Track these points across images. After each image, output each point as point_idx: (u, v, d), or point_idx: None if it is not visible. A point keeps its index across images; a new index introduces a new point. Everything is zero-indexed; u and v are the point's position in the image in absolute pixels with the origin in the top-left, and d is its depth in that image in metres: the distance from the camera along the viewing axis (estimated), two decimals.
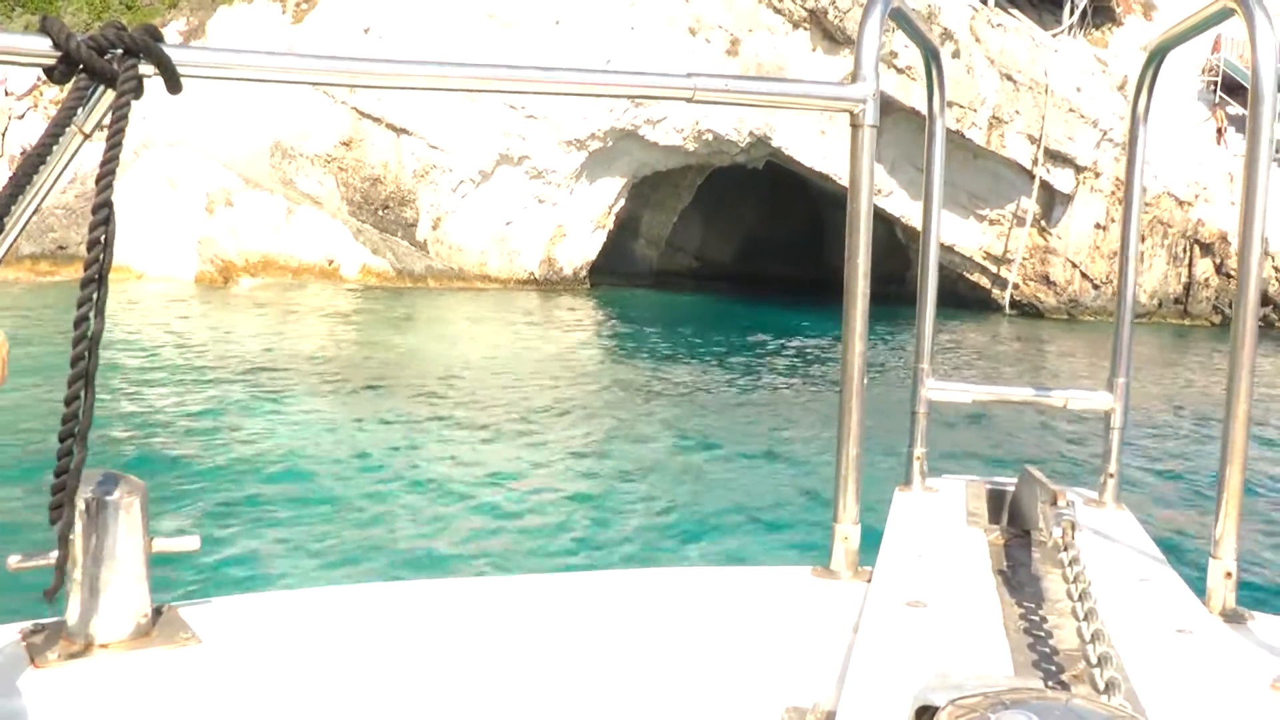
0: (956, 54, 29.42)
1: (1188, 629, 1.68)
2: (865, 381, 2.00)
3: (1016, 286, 32.30)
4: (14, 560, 1.54)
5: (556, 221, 31.05)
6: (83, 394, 1.46)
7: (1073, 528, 1.80)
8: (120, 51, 1.46)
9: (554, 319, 25.90)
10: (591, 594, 1.91)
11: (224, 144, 27.67)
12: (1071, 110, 30.61)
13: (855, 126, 1.90)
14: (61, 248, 26.51)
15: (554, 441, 11.86)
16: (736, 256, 43.28)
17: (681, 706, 1.52)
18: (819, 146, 30.43)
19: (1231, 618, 1.82)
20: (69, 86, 1.45)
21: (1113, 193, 31.67)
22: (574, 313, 27.35)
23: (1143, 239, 32.83)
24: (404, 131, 29.37)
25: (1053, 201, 31.51)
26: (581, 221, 31.32)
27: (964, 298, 32.95)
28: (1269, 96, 1.76)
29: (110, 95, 1.45)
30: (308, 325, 21.06)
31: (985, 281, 32.61)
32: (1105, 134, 31.12)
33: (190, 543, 1.67)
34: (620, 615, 1.82)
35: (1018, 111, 30.26)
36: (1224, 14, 1.90)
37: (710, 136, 30.65)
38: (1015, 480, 2.28)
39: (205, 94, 23.77)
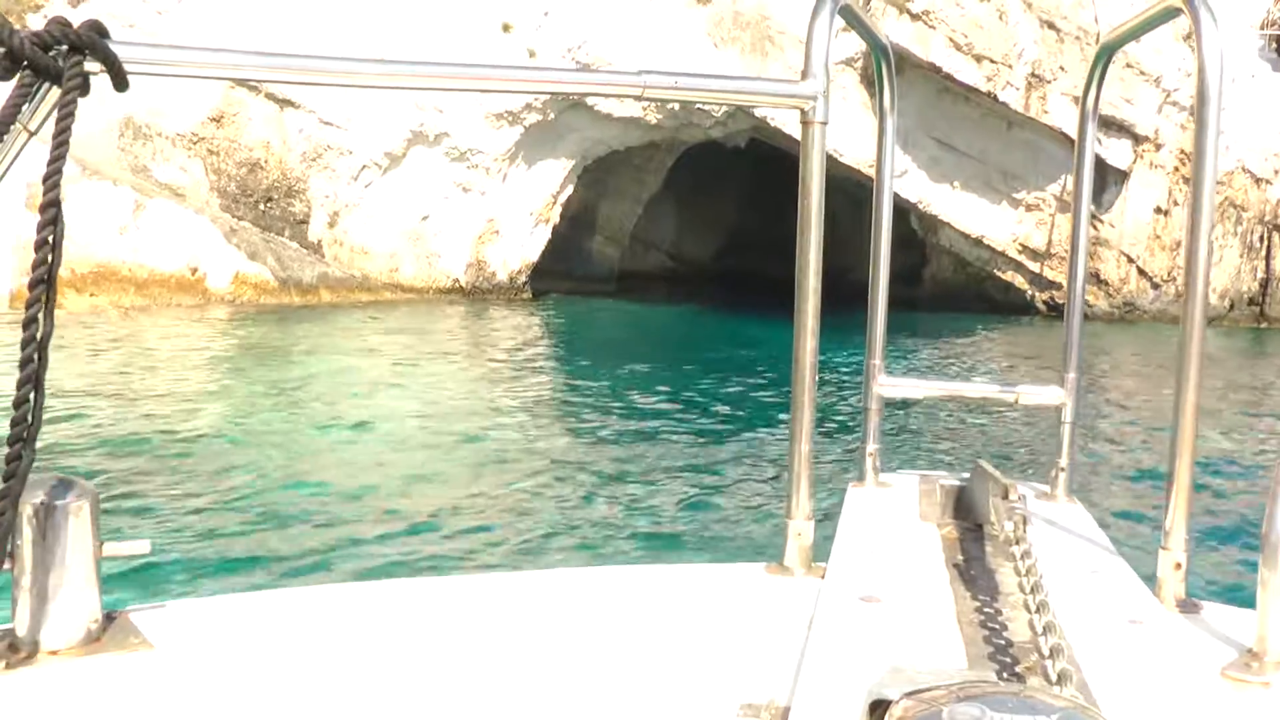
0: None
1: (1139, 619, 1.72)
2: (816, 378, 2.02)
3: (1060, 288, 26.08)
4: None
5: (486, 215, 24.81)
6: (31, 397, 1.46)
7: (1025, 521, 1.82)
8: (65, 48, 1.46)
9: (482, 340, 19.70)
10: (543, 592, 1.91)
11: None
12: (1129, 66, 24.40)
13: (805, 124, 1.91)
14: None
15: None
16: (718, 253, 37.11)
17: (635, 705, 1.50)
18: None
19: (1182, 608, 1.83)
20: (13, 84, 1.43)
21: (1176, 169, 25.50)
22: (505, 332, 21.16)
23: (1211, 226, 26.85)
24: (289, 104, 23.15)
25: (1104, 181, 25.26)
26: (518, 215, 25.08)
27: (994, 300, 26.78)
28: (1215, 96, 1.79)
29: (56, 93, 1.45)
30: (134, 377, 14.57)
31: (1021, 281, 26.40)
32: (1169, 95, 24.92)
33: (140, 547, 1.65)
34: (573, 614, 1.81)
35: (1062, 68, 24.05)
36: (1170, 13, 1.93)
37: (677, 106, 24.40)
38: (968, 475, 2.30)
39: None
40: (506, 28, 23.19)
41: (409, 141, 23.85)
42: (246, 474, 9.29)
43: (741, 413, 13.15)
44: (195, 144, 23.05)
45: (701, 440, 11.59)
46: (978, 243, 25.81)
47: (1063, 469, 2.43)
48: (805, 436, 2.01)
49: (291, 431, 11.19)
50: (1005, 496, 1.94)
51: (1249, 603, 1.64)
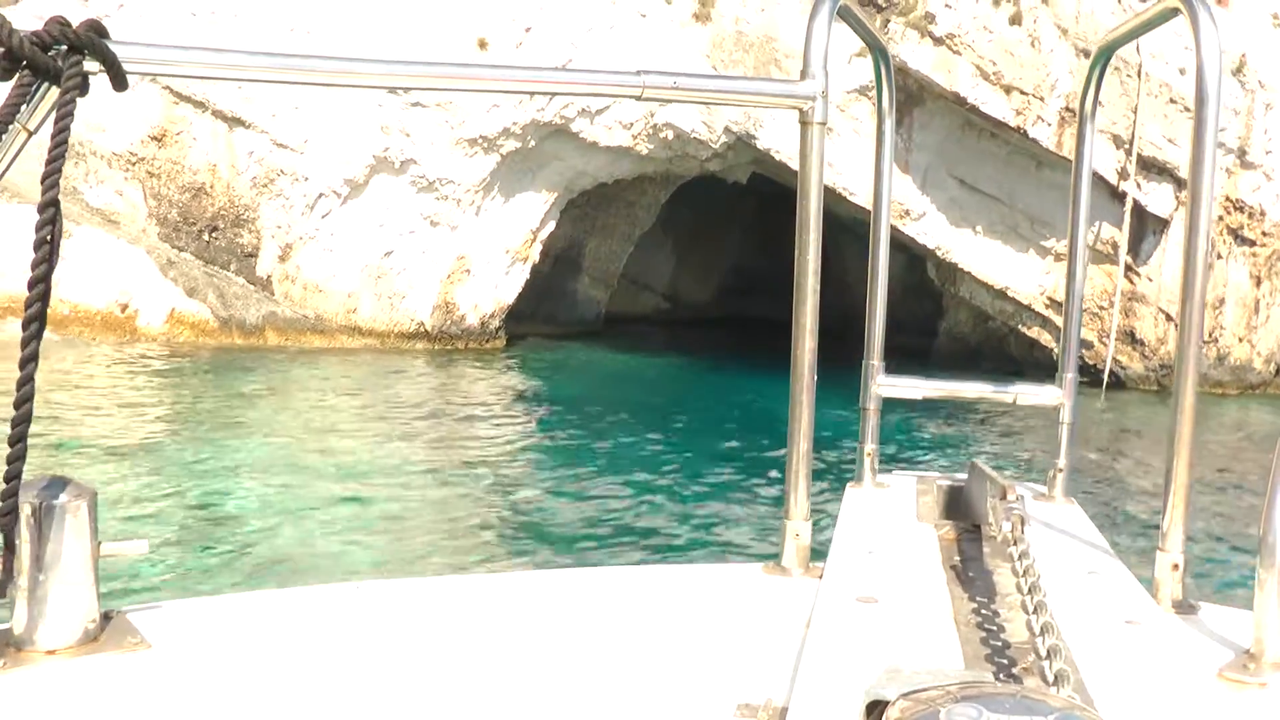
0: (1016, 19, 20.81)
1: (1136, 620, 1.72)
2: (815, 378, 2.01)
3: (1090, 346, 23.55)
4: None
5: (456, 251, 22.38)
6: (31, 397, 1.48)
7: (1022, 522, 1.80)
8: (64, 48, 1.46)
9: (449, 395, 17.19)
10: (542, 592, 1.91)
11: None
12: (1173, 101, 21.96)
13: (804, 124, 1.90)
14: None
15: None
16: (718, 296, 34.69)
17: (634, 705, 1.49)
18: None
19: (1179, 609, 1.83)
20: (12, 83, 1.44)
21: (1221, 218, 23.02)
22: (473, 385, 18.67)
23: (1258, 282, 24.37)
24: (239, 123, 20.79)
25: (1142, 229, 22.80)
26: (492, 252, 22.65)
27: (1017, 359, 24.27)
28: (1214, 96, 1.80)
29: (55, 92, 1.46)
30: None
31: (1048, 338, 23.84)
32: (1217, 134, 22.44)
33: (138, 547, 1.65)
34: (571, 614, 1.81)
35: (1100, 102, 21.54)
36: (1169, 13, 1.93)
37: (670, 135, 22.02)
38: (965, 475, 2.29)
39: None
40: (483, 44, 20.85)
41: (371, 168, 21.45)
42: None
43: (735, 496, 10.61)
44: (134, 165, 20.68)
45: (678, 521, 9.09)
46: (1001, 295, 23.29)
47: (1060, 470, 2.43)
48: (804, 437, 2.00)
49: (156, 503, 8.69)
50: (1003, 497, 1.90)
51: (1246, 604, 1.63)
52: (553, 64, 21.02)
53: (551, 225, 23.36)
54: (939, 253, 22.71)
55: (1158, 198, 22.31)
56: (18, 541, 1.49)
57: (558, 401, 17.74)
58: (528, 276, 23.36)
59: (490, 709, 1.47)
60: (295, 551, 8.24)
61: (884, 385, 2.46)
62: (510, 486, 11.38)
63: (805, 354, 1.99)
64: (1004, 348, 24.40)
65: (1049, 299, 23.33)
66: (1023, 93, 20.94)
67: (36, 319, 1.48)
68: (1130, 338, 23.31)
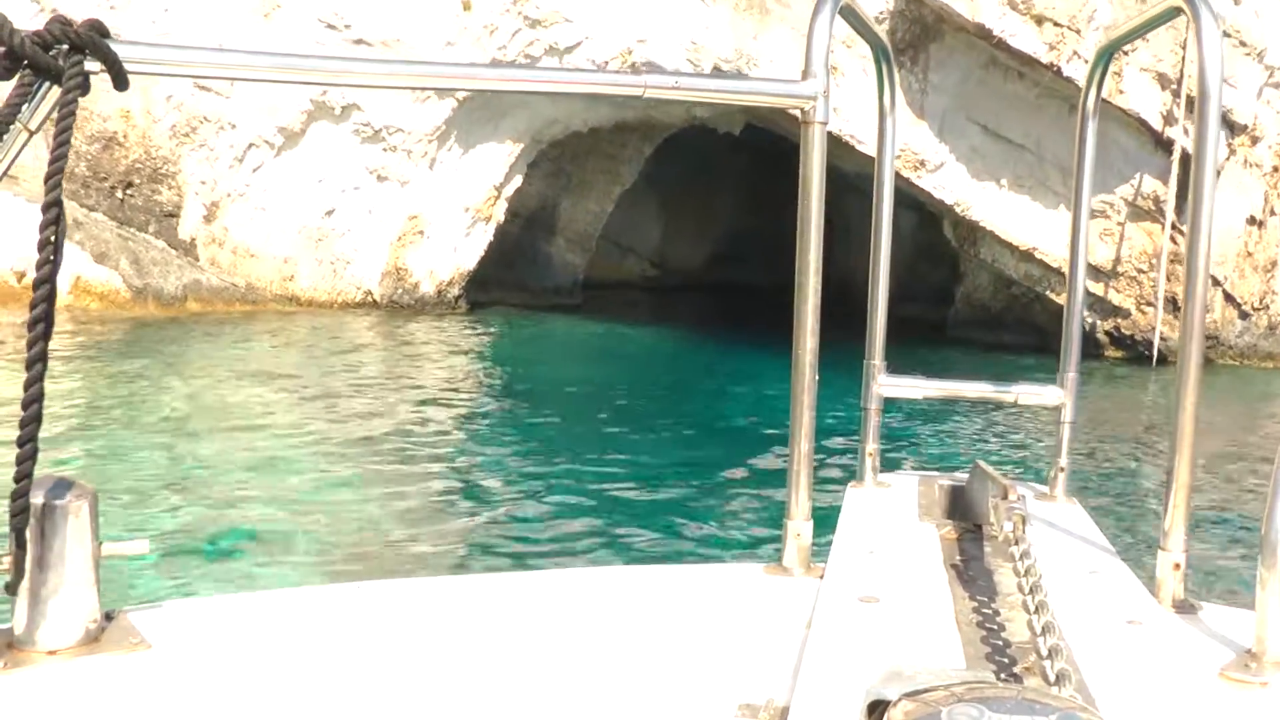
0: None
1: (1137, 620, 1.73)
2: (816, 378, 2.01)
3: (1127, 315, 20.86)
4: None
5: (408, 210, 19.66)
6: (40, 396, 1.49)
7: (1024, 521, 1.81)
8: (66, 47, 1.46)
9: (397, 376, 14.51)
10: (542, 592, 1.91)
11: None
12: (1227, 35, 19.17)
13: (805, 124, 1.91)
14: None
15: None
16: (710, 261, 32.01)
17: (634, 705, 1.49)
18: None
19: (1180, 608, 1.83)
20: (13, 83, 1.44)
21: (1277, 169, 20.30)
22: (425, 363, 16.00)
23: None
24: None
25: (1189, 182, 20.08)
26: (449, 210, 19.92)
27: (1042, 329, 21.60)
28: (1215, 94, 1.80)
29: (56, 92, 1.45)
30: None
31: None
32: (1272, 74, 19.69)
33: (139, 546, 1.64)
34: (571, 614, 1.81)
35: (1144, 37, 18.84)
36: (1171, 13, 1.93)
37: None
38: (967, 475, 2.30)
39: None
40: (467, 5, 18.13)
41: (309, 115, 18.72)
42: None
43: (726, 491, 7.97)
44: None
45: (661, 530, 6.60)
46: (1027, 256, 20.57)
47: (1062, 469, 2.44)
48: (805, 436, 2.00)
49: None
50: (1004, 497, 1.94)
51: (1248, 603, 1.65)
52: (541, 15, 18.30)
53: (518, 180, 20.62)
54: (957, 209, 19.98)
55: None
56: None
57: (525, 381, 15.14)
58: (492, 239, 20.66)
59: (490, 709, 1.47)
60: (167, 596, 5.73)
61: (885, 385, 2.44)
62: (463, 484, 8.89)
63: (806, 354, 1.99)
64: (1029, 316, 21.69)
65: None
66: (1056, 24, 18.14)
67: (43, 319, 1.49)
68: (1172, 305, 20.62)
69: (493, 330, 19.77)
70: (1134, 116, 18.96)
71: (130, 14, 17.46)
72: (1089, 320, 21.18)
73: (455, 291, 20.29)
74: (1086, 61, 18.32)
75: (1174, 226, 20.05)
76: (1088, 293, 20.83)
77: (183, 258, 18.66)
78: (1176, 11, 1.87)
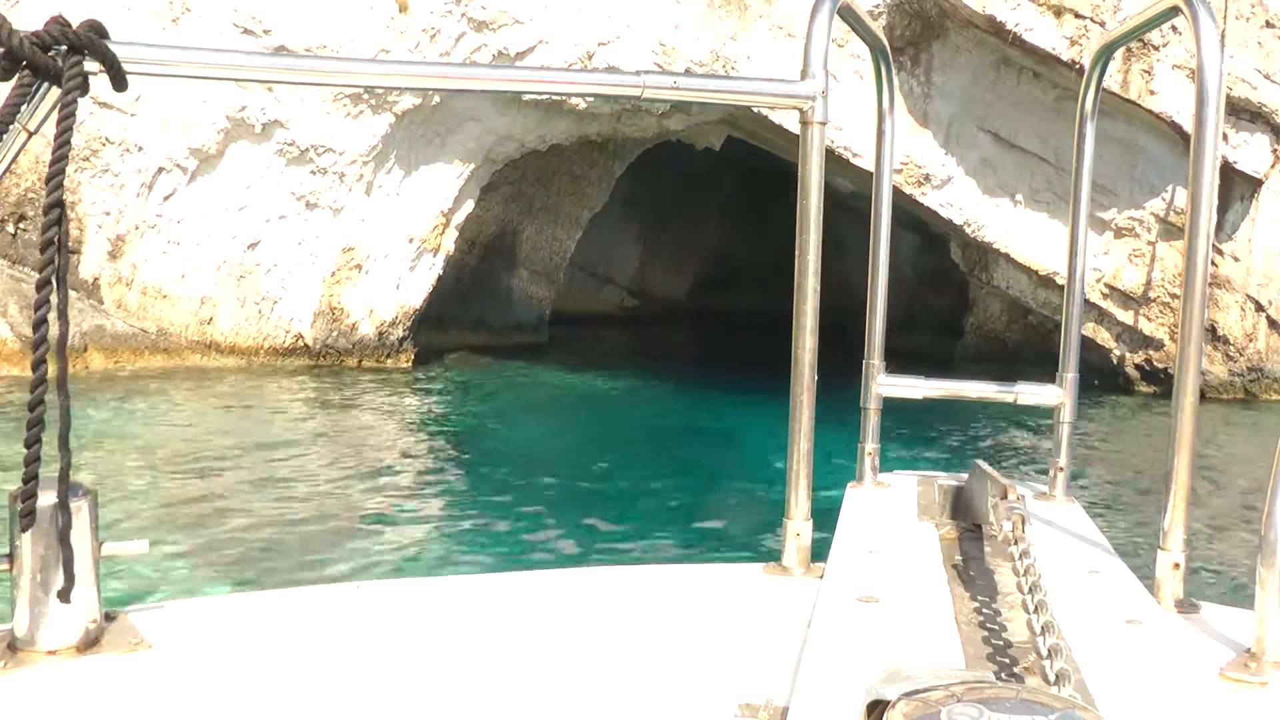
0: None
1: (1137, 620, 1.73)
2: (815, 377, 2.02)
3: (1160, 346, 18.49)
4: None
5: (342, 241, 17.31)
6: (44, 399, 1.49)
7: (1023, 521, 1.81)
8: (65, 48, 1.46)
9: (326, 436, 12.11)
10: (542, 592, 1.91)
11: None
12: (1269, 25, 16.93)
13: (804, 124, 1.92)
14: None
15: None
16: (696, 289, 29.71)
17: (634, 705, 1.48)
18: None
19: (1180, 608, 1.83)
20: (12, 83, 1.43)
21: None
22: (361, 418, 13.65)
23: None
24: None
25: (1227, 194, 17.75)
26: (390, 241, 17.57)
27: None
28: (1214, 95, 1.79)
29: (55, 92, 1.46)
30: None
31: (1105, 336, 18.79)
32: None
33: (139, 547, 1.66)
34: (572, 614, 1.81)
35: (1175, 28, 16.58)
36: (1170, 13, 1.94)
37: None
38: (966, 475, 2.31)
39: None
40: (403, 7, 15.85)
41: (226, 134, 16.39)
42: None
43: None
44: None
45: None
46: (1046, 281, 18.23)
47: (1061, 469, 2.45)
48: (804, 436, 2.00)
49: None
50: (1004, 497, 1.92)
51: (1247, 603, 1.64)
52: (488, 17, 16.03)
53: (469, 205, 18.26)
54: (967, 229, 17.63)
55: (1250, 151, 17.27)
56: (19, 541, 1.50)
57: (477, 441, 12.81)
58: (442, 272, 18.28)
59: (490, 709, 1.47)
60: None
61: (884, 385, 2.47)
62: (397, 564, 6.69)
63: (805, 354, 2.00)
64: (1048, 348, 19.31)
65: (1107, 286, 18.27)
66: (1078, 15, 15.86)
67: (45, 321, 1.48)
68: (1210, 333, 18.29)
69: (442, 377, 17.41)
70: (1166, 121, 16.66)
71: (25, 19, 15.18)
72: (1117, 353, 18.84)
73: (399, 333, 17.90)
74: (1113, 58, 16.03)
75: (1213, 245, 17.71)
76: (1116, 321, 18.50)
77: (84, 300, 16.28)
78: (1175, 11, 1.87)
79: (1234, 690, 1.50)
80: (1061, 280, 16.86)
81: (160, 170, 16.37)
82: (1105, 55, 2.40)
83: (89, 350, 16.06)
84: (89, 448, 10.81)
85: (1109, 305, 18.40)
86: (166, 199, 16.52)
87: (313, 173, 16.77)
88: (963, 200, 17.25)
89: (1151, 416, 16.54)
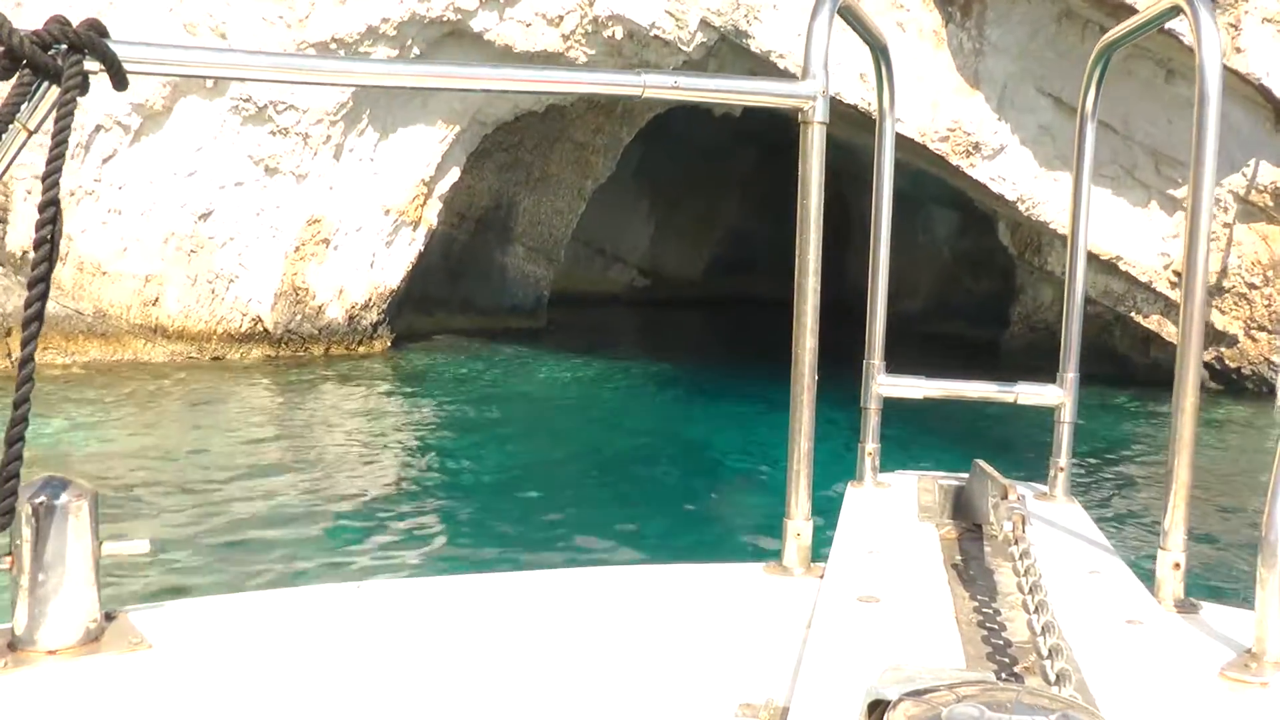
0: None
1: (1137, 620, 1.73)
2: (816, 377, 2.01)
3: (1234, 343, 16.32)
4: None
5: (308, 211, 15.27)
6: (32, 396, 1.50)
7: (1023, 521, 1.82)
8: (65, 47, 1.46)
9: (286, 438, 10.14)
10: (542, 592, 1.91)
11: None
12: None
13: (804, 124, 1.92)
14: None
15: None
16: (712, 269, 27.60)
17: (634, 705, 1.48)
18: (842, 72, 14.42)
19: (1180, 608, 1.83)
20: (12, 83, 1.43)
21: None
22: (329, 416, 11.70)
23: None
24: None
25: None
26: (363, 212, 15.51)
27: (1125, 361, 17.10)
28: (1214, 96, 1.78)
29: (55, 92, 1.46)
30: None
31: (1172, 330, 16.60)
32: None
33: (140, 546, 1.64)
34: (571, 613, 1.81)
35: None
36: (1171, 12, 1.95)
37: (619, 33, 14.78)
38: (966, 475, 2.33)
39: None
40: None
41: (174, 88, 14.36)
42: None
43: None
44: None
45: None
46: (1108, 267, 16.05)
47: (1061, 469, 2.46)
48: (805, 436, 2.00)
49: None
50: (1004, 496, 1.94)
51: (1248, 603, 1.64)
52: None
53: (455, 173, 16.19)
54: (1020, 206, 15.46)
55: None
56: (19, 541, 1.50)
57: (461, 445, 10.88)
58: (423, 248, 16.23)
59: (490, 709, 1.47)
60: None
61: (884, 385, 2.48)
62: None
63: (805, 353, 2.00)
64: (1107, 343, 17.20)
65: (1175, 274, 16.07)
66: None
67: (36, 319, 1.48)
68: None
69: (422, 368, 15.37)
70: (1254, 83, 14.42)
71: (26, 19, 13.21)
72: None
73: (373, 317, 15.87)
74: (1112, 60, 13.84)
75: None
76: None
77: (10, 276, 14.32)
78: (1175, 11, 1.87)
79: (1234, 690, 1.50)
80: (1125, 266, 14.62)
81: (98, 128, 14.36)
82: (1105, 56, 2.37)
83: (13, 334, 14.10)
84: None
85: (1178, 295, 16.23)
86: (106, 161, 14.50)
87: (273, 133, 14.71)
88: (1017, 174, 15.09)
89: (1223, 422, 14.42)
